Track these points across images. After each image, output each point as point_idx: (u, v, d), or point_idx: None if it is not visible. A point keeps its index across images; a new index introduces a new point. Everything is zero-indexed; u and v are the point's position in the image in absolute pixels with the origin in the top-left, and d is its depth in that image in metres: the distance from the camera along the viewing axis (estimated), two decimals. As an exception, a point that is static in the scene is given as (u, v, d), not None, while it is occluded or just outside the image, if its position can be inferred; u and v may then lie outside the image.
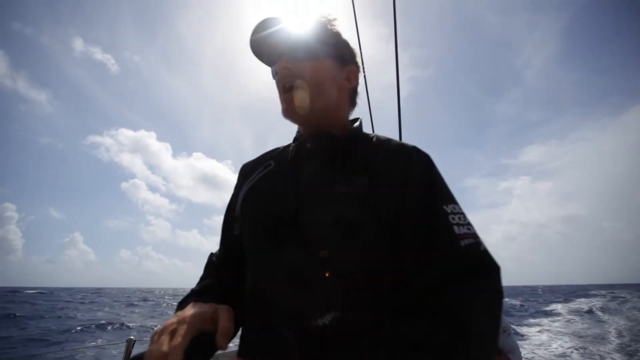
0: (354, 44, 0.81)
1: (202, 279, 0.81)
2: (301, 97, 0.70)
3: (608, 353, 9.23)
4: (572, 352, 9.35)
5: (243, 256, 0.74)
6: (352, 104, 0.81)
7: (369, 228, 0.61)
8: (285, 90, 0.71)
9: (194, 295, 0.71)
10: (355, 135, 0.75)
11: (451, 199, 0.65)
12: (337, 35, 0.76)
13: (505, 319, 1.90)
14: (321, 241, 0.61)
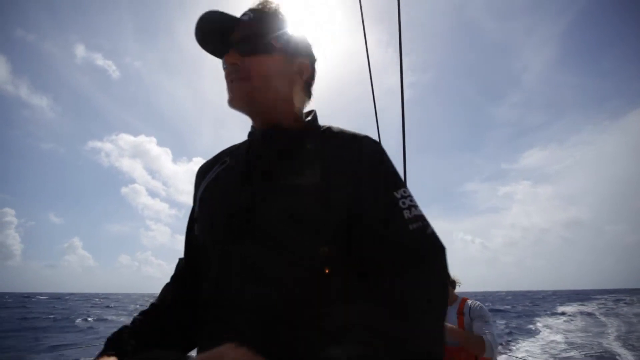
0: (305, 35, 0.79)
1: (161, 294, 0.81)
2: (245, 89, 0.70)
3: (608, 344, 11.02)
4: (572, 341, 11.19)
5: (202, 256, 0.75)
6: (308, 95, 0.81)
7: (321, 219, 0.63)
8: (231, 81, 0.71)
9: (106, 349, 0.67)
10: (307, 127, 0.75)
11: (400, 184, 0.66)
12: (286, 28, 0.75)
13: (484, 308, 2.37)
14: (274, 236, 0.63)
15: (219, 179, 0.76)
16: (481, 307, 2.42)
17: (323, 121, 0.80)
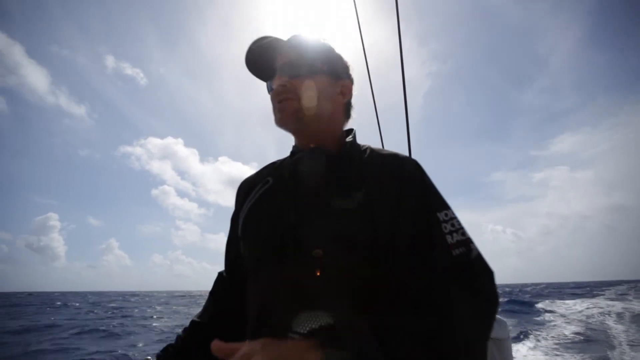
0: (347, 57, 0.83)
1: (202, 310, 0.88)
2: (292, 107, 0.74)
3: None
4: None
5: (245, 274, 0.78)
6: (347, 116, 0.85)
7: (366, 242, 0.64)
8: (279, 101, 0.75)
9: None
10: (350, 149, 0.78)
11: (444, 206, 0.66)
12: (329, 51, 0.80)
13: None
14: (320, 256, 0.64)
15: (263, 200, 0.78)
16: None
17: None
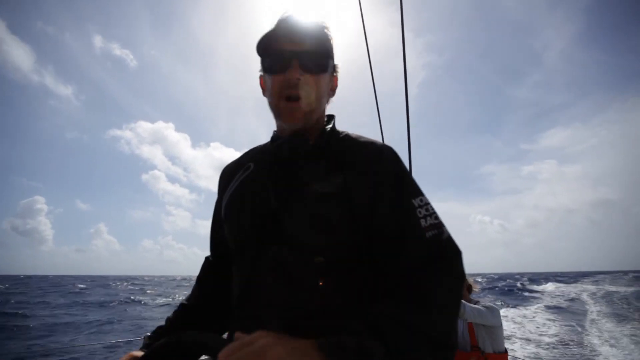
0: (336, 46, 0.81)
1: (191, 293, 0.93)
2: (303, 109, 0.74)
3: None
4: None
5: (230, 258, 0.81)
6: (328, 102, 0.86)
7: (345, 225, 0.67)
8: (291, 100, 0.73)
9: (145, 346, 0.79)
10: (330, 135, 0.79)
11: (418, 192, 0.70)
12: (332, 45, 0.78)
13: (490, 307, 2.42)
14: (301, 239, 0.68)
15: (245, 185, 0.81)
16: (487, 306, 2.50)
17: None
